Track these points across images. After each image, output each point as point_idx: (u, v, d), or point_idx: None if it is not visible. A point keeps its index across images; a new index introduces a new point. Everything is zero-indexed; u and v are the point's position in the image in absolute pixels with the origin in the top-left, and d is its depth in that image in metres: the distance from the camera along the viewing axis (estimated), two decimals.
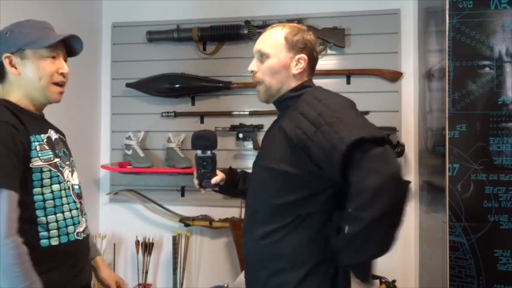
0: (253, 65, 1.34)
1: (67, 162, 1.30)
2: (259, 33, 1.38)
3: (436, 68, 1.95)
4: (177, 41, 2.55)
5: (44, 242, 1.18)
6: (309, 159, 1.16)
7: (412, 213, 2.38)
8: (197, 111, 2.54)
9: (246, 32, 2.44)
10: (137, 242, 2.48)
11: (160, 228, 2.60)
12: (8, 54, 1.21)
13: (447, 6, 1.73)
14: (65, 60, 1.29)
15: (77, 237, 1.25)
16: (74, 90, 2.11)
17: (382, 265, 2.16)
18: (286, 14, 2.45)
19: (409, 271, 2.37)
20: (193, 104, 2.57)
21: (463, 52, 1.72)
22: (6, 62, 1.22)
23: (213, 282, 2.42)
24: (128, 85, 2.55)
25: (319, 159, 1.13)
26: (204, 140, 1.41)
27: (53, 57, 1.24)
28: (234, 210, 2.39)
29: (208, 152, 1.41)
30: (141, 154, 2.49)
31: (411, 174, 2.39)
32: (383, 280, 2.13)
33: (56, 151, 1.26)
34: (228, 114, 2.49)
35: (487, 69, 1.71)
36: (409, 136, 2.39)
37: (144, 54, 2.60)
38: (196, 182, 1.44)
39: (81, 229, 1.28)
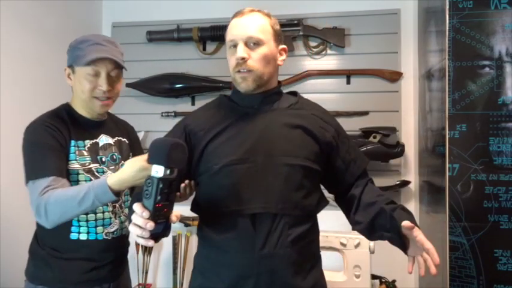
0: (243, 52, 1.16)
1: (111, 167, 1.40)
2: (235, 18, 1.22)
3: (436, 68, 1.95)
4: (177, 41, 2.55)
5: (73, 235, 1.33)
6: (327, 159, 1.25)
7: (412, 213, 2.38)
8: None
9: None
10: (137, 242, 2.47)
11: None
12: (65, 67, 1.38)
13: (447, 6, 1.73)
14: (115, 75, 1.37)
15: (105, 237, 1.37)
16: None
17: (382, 265, 2.17)
18: (286, 14, 2.45)
19: None
20: (193, 104, 2.57)
21: (463, 52, 1.72)
22: (65, 74, 1.39)
23: None
24: (128, 85, 2.55)
25: (336, 163, 1.27)
26: (183, 152, 0.99)
27: (95, 75, 1.33)
28: None
29: (175, 172, 0.95)
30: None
31: (411, 174, 2.39)
32: (383, 280, 2.13)
33: (99, 156, 1.38)
34: None
35: (487, 69, 1.71)
36: (409, 136, 2.39)
37: (144, 54, 2.60)
38: (150, 224, 0.92)
39: (111, 230, 1.38)
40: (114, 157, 1.43)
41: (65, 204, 1.18)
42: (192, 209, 1.28)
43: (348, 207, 1.28)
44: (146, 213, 0.93)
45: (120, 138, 1.48)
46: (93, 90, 1.33)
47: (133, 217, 0.95)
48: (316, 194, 1.24)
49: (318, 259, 1.29)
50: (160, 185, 0.91)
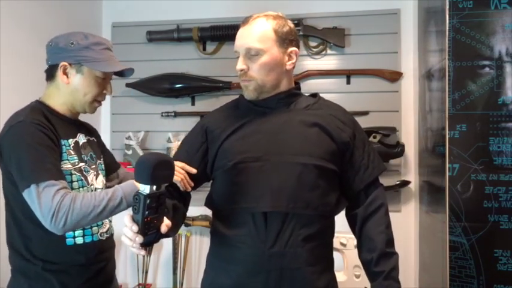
0: (241, 64, 1.20)
1: (93, 166, 1.36)
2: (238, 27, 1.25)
3: (436, 68, 1.95)
4: (177, 41, 2.55)
5: (69, 241, 1.26)
6: (343, 159, 1.24)
7: (412, 213, 2.38)
8: (197, 111, 2.54)
9: None
10: None
11: None
12: (65, 64, 1.28)
13: (447, 6, 1.73)
14: (110, 78, 1.37)
15: (100, 238, 1.34)
16: None
17: None
18: (286, 14, 2.41)
19: (409, 271, 2.37)
20: (193, 104, 2.57)
21: (463, 52, 1.72)
22: (60, 70, 1.28)
23: None
24: (128, 85, 2.55)
25: (347, 165, 1.25)
26: (168, 168, 0.99)
27: (103, 79, 1.32)
28: None
29: (163, 187, 0.98)
30: (141, 154, 2.49)
31: (411, 174, 2.39)
32: None
33: (82, 155, 1.33)
34: None
35: (487, 69, 1.71)
36: (409, 136, 2.39)
37: (144, 54, 2.60)
38: (139, 238, 0.94)
39: (104, 229, 1.36)
40: (93, 156, 1.38)
41: (91, 207, 1.13)
42: (206, 204, 1.30)
43: (351, 225, 1.32)
44: (135, 227, 0.94)
45: (89, 137, 1.42)
46: (98, 95, 1.33)
47: (124, 230, 0.96)
48: (333, 194, 1.22)
49: (330, 263, 1.27)
50: (148, 201, 0.93)
